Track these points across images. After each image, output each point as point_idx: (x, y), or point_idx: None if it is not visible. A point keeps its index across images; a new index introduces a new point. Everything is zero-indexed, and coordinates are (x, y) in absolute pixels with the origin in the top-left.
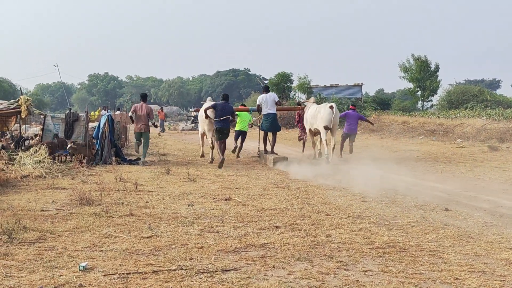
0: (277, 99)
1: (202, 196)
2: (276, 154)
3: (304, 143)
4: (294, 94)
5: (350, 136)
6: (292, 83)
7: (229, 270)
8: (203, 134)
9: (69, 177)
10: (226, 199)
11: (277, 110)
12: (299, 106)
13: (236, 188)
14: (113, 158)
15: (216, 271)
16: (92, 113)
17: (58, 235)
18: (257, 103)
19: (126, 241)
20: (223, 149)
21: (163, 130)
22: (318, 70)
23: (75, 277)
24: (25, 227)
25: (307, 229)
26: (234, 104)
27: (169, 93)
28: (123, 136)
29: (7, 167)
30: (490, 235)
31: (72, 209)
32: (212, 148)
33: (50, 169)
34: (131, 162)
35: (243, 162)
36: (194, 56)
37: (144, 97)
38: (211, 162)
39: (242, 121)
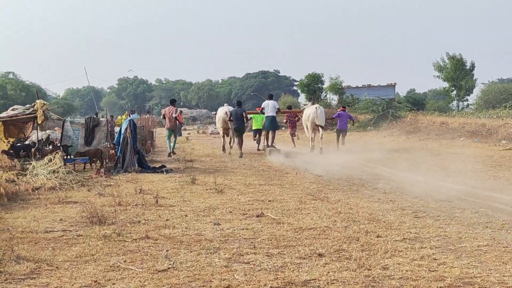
0: (277, 106)
1: (230, 212)
2: (274, 147)
3: (293, 139)
4: (326, 95)
5: (342, 132)
6: (323, 84)
7: None
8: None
9: (85, 189)
10: (257, 216)
11: (277, 113)
12: (295, 110)
13: (269, 200)
14: (136, 167)
15: None
16: (119, 117)
17: (56, 267)
18: (262, 106)
19: (136, 276)
20: (241, 143)
21: (180, 134)
22: (350, 71)
23: None
24: (19, 256)
25: (357, 258)
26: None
27: (198, 96)
28: (149, 141)
29: (18, 178)
30: None
31: (81, 229)
32: (223, 137)
33: (65, 180)
34: (154, 170)
35: (274, 169)
36: (224, 58)
37: (172, 102)
38: (224, 151)
39: (256, 121)
